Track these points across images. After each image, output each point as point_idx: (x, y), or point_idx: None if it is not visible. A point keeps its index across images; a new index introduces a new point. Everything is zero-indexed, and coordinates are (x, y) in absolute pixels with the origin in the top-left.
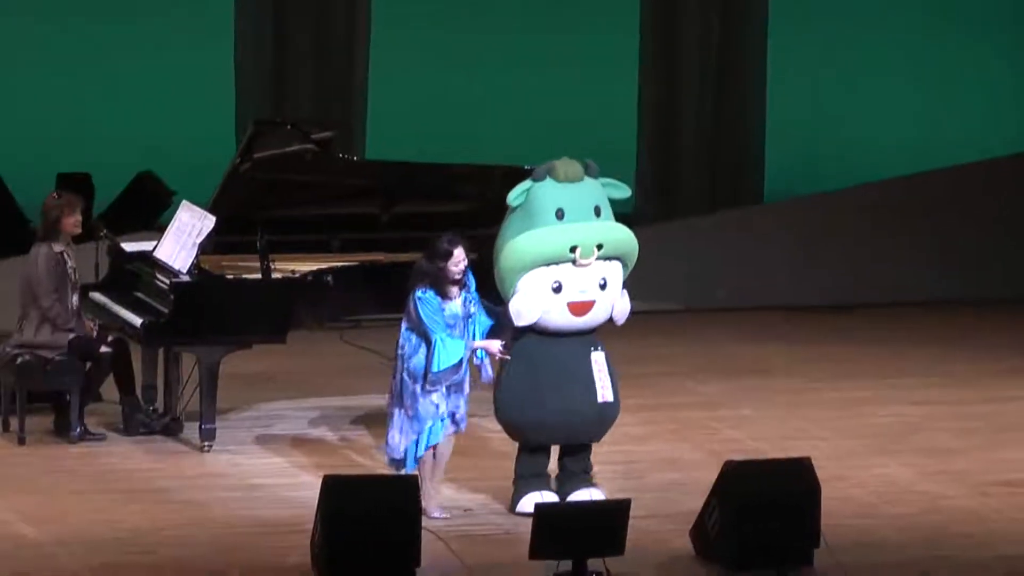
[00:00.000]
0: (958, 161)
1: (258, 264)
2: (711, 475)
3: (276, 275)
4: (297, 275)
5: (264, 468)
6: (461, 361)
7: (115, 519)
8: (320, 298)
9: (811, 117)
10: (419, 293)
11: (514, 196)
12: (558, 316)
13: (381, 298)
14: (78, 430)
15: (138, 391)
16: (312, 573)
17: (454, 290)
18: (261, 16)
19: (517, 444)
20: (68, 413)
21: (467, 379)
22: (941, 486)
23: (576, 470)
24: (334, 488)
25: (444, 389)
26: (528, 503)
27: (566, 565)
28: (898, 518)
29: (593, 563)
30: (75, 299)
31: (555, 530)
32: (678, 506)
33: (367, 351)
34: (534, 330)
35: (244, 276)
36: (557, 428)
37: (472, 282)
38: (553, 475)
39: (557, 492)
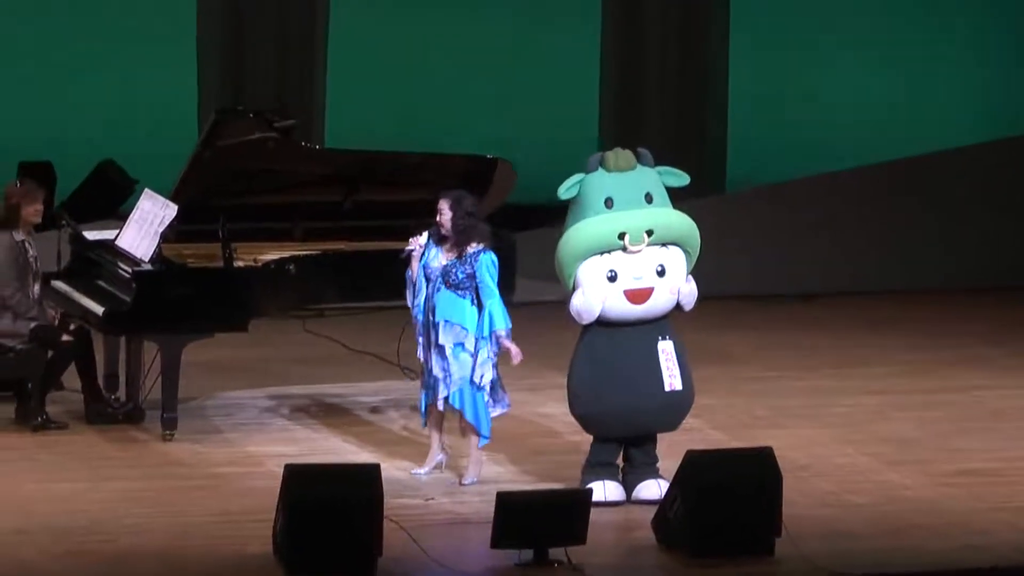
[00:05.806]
0: (923, 150)
1: (220, 253)
2: (673, 465)
3: (238, 264)
4: (259, 264)
5: (226, 457)
6: (421, 313)
7: (76, 508)
8: (282, 287)
9: (774, 108)
10: None
11: (565, 189)
12: (616, 304)
13: (343, 287)
14: (39, 419)
15: (100, 380)
16: (273, 562)
17: (443, 241)
18: (223, 7)
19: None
20: (29, 402)
21: (447, 359)
22: (902, 476)
23: (642, 461)
24: (296, 477)
25: (423, 342)
26: (593, 492)
27: (528, 554)
28: (859, 508)
29: (555, 552)
30: (37, 288)
31: (517, 520)
32: None
33: (329, 340)
34: (599, 323)
35: (206, 265)
36: (625, 420)
37: (485, 263)
38: (620, 466)
39: (623, 483)
